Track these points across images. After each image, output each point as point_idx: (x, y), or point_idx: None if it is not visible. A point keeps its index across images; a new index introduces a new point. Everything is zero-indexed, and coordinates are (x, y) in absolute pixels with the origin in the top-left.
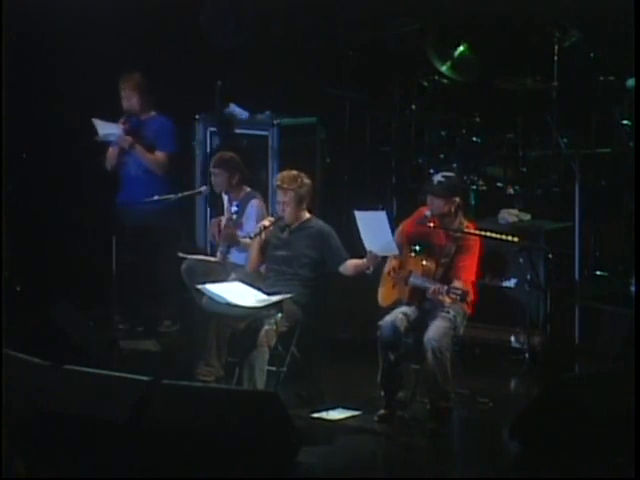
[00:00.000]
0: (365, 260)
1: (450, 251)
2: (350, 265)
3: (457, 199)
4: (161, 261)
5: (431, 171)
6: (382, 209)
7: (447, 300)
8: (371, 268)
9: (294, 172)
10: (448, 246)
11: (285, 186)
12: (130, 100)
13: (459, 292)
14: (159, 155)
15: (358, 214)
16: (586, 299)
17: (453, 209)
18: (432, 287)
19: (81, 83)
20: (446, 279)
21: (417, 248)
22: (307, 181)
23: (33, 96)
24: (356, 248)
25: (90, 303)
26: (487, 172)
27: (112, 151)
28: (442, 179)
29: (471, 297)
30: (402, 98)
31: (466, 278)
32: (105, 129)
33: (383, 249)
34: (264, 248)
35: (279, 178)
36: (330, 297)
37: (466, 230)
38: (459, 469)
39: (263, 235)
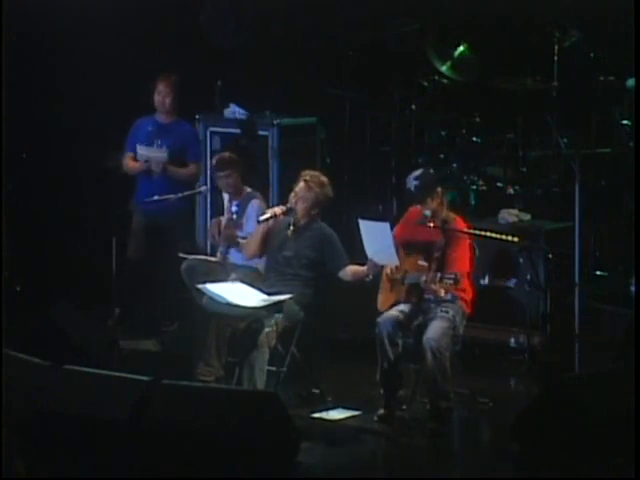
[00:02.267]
0: (365, 268)
1: (441, 245)
2: (350, 271)
3: (438, 189)
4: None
5: None
6: (385, 220)
7: (441, 290)
8: (370, 276)
9: (325, 179)
10: (439, 241)
11: (311, 184)
12: (165, 98)
13: (452, 277)
14: (191, 167)
15: (362, 223)
16: (586, 298)
17: (439, 199)
18: (424, 277)
19: (81, 83)
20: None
21: (412, 249)
22: (330, 194)
23: (33, 96)
24: (356, 248)
25: (90, 303)
26: (487, 172)
27: (138, 164)
28: (416, 182)
29: (464, 285)
30: (402, 98)
31: (459, 268)
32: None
33: (384, 259)
34: (266, 238)
35: (309, 173)
36: (330, 297)
37: (465, 230)
38: (459, 469)
39: (271, 222)
